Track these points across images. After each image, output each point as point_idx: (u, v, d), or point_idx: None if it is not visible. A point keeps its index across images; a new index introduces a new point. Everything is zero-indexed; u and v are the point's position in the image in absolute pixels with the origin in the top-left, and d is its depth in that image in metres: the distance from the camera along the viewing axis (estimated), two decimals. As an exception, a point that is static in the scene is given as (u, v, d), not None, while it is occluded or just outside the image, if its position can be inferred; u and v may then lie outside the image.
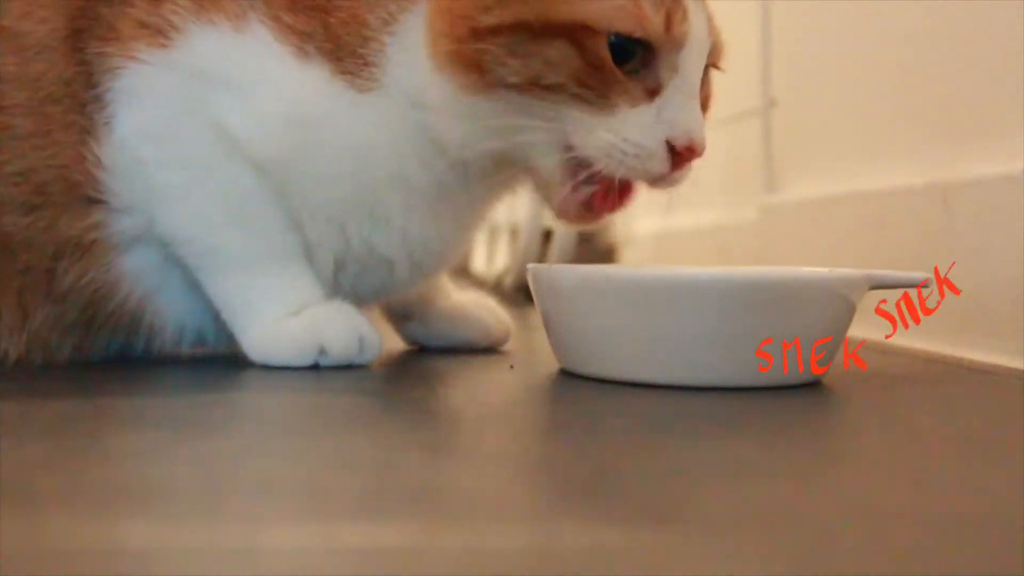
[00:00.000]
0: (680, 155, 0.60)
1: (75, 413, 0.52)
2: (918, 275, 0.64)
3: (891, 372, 0.72)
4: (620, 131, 0.59)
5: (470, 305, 0.79)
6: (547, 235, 1.57)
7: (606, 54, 0.59)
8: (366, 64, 0.63)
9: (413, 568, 0.29)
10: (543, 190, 0.65)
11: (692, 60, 0.61)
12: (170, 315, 0.68)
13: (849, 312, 0.61)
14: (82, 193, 0.64)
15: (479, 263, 1.95)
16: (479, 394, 0.61)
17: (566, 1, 0.59)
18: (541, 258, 1.50)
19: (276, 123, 0.63)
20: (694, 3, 0.61)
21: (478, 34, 0.60)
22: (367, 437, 0.47)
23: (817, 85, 1.10)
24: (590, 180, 0.61)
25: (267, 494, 0.37)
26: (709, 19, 0.63)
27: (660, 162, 0.60)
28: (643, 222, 1.90)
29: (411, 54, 0.63)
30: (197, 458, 0.42)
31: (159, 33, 0.63)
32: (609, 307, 0.59)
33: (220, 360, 0.70)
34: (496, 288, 1.40)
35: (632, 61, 0.59)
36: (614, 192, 0.62)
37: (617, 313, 0.59)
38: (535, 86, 0.59)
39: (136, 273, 0.66)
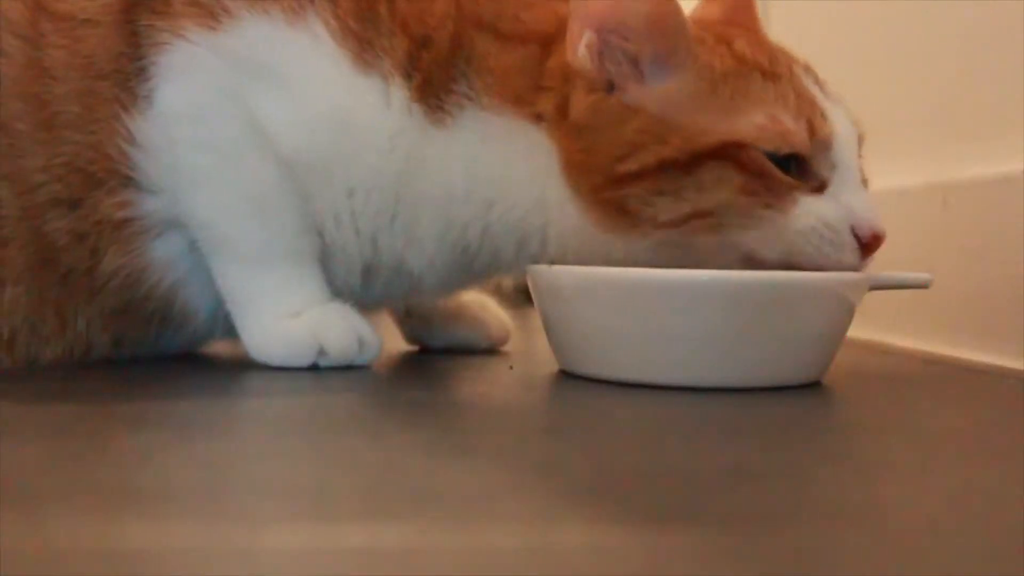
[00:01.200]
0: (867, 245, 0.59)
1: (76, 414, 0.52)
2: (918, 275, 0.64)
3: (891, 372, 0.72)
4: (814, 213, 0.59)
5: (470, 305, 0.79)
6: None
7: (765, 160, 0.58)
8: (441, 109, 0.63)
9: (413, 568, 0.29)
10: None
11: (846, 153, 0.60)
12: (201, 303, 0.68)
13: (849, 313, 0.61)
14: (115, 169, 0.64)
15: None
16: (479, 394, 0.61)
17: (708, 128, 0.59)
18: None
19: (315, 124, 0.63)
20: (829, 101, 0.61)
21: (618, 181, 0.60)
22: (367, 437, 0.47)
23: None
24: None
25: (267, 495, 0.37)
26: (847, 111, 0.63)
27: (852, 252, 0.59)
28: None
29: (499, 148, 0.63)
30: (197, 459, 0.42)
31: (210, 15, 0.62)
32: (609, 307, 0.59)
33: (220, 362, 0.70)
34: (496, 289, 1.40)
35: (789, 170, 0.59)
36: None
37: (617, 313, 0.59)
38: (695, 218, 0.59)
39: (168, 259, 0.66)
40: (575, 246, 0.63)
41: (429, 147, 0.63)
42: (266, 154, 0.63)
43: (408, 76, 0.63)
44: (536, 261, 0.65)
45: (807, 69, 0.63)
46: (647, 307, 0.58)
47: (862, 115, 0.84)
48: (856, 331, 0.64)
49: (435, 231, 0.65)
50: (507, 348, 0.79)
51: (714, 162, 0.58)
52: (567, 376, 0.63)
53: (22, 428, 0.47)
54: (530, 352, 0.79)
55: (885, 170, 0.94)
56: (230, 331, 0.69)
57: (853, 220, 0.59)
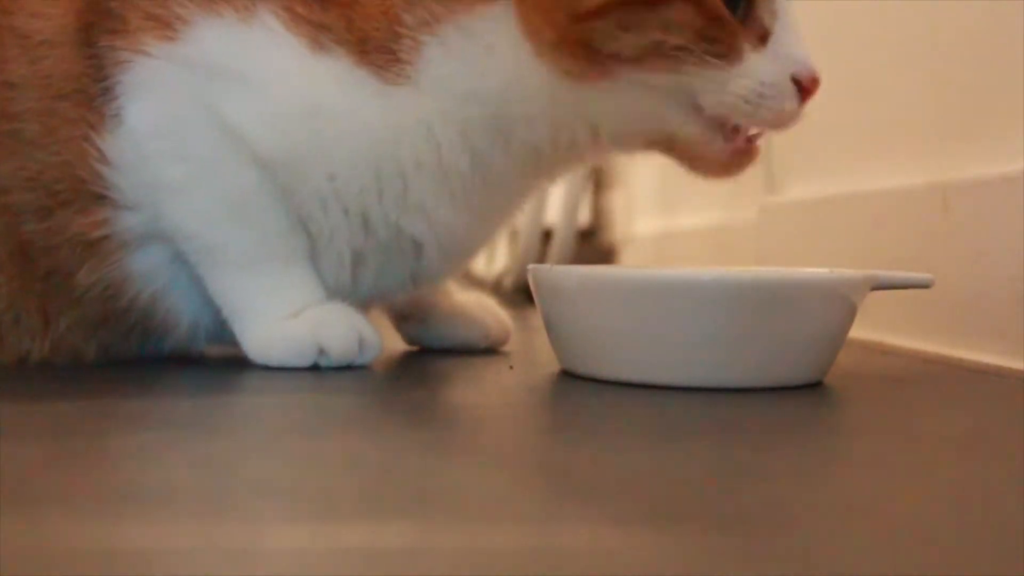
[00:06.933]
0: (805, 89, 0.61)
1: (76, 414, 0.52)
2: (920, 276, 0.64)
3: (891, 372, 0.72)
4: (755, 75, 0.61)
5: (470, 306, 0.79)
6: (547, 235, 1.57)
7: (722, 6, 0.59)
8: (397, 60, 0.63)
9: (413, 568, 0.29)
10: (683, 157, 0.65)
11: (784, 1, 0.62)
12: (183, 312, 0.68)
13: (850, 313, 0.61)
14: (87, 189, 0.64)
15: (479, 264, 1.95)
16: (479, 394, 0.61)
17: None
18: (541, 258, 1.50)
19: (286, 117, 0.63)
20: None
21: (582, 18, 0.59)
22: (367, 437, 0.47)
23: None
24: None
25: (267, 494, 0.37)
26: None
27: (793, 98, 0.62)
28: (643, 223, 1.90)
29: (467, 55, 0.62)
30: (197, 459, 0.42)
31: (166, 26, 0.62)
32: (609, 307, 0.59)
33: (220, 361, 0.70)
34: (496, 289, 1.41)
35: (738, 9, 0.60)
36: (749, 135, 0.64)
37: (617, 313, 0.59)
38: (655, 55, 0.59)
39: (147, 270, 0.66)
40: (551, 115, 0.63)
41: (395, 111, 0.63)
42: (242, 157, 0.63)
43: (347, 43, 0.63)
44: (524, 150, 0.64)
45: None
46: (648, 307, 0.58)
47: (863, 115, 0.84)
48: (856, 331, 0.64)
49: (431, 187, 0.65)
50: (507, 348, 0.79)
51: (678, 2, 0.59)
52: (567, 376, 0.63)
53: (22, 428, 0.47)
54: (530, 352, 0.79)
55: (885, 170, 0.94)
56: (212, 339, 0.69)
57: (794, 69, 0.61)
